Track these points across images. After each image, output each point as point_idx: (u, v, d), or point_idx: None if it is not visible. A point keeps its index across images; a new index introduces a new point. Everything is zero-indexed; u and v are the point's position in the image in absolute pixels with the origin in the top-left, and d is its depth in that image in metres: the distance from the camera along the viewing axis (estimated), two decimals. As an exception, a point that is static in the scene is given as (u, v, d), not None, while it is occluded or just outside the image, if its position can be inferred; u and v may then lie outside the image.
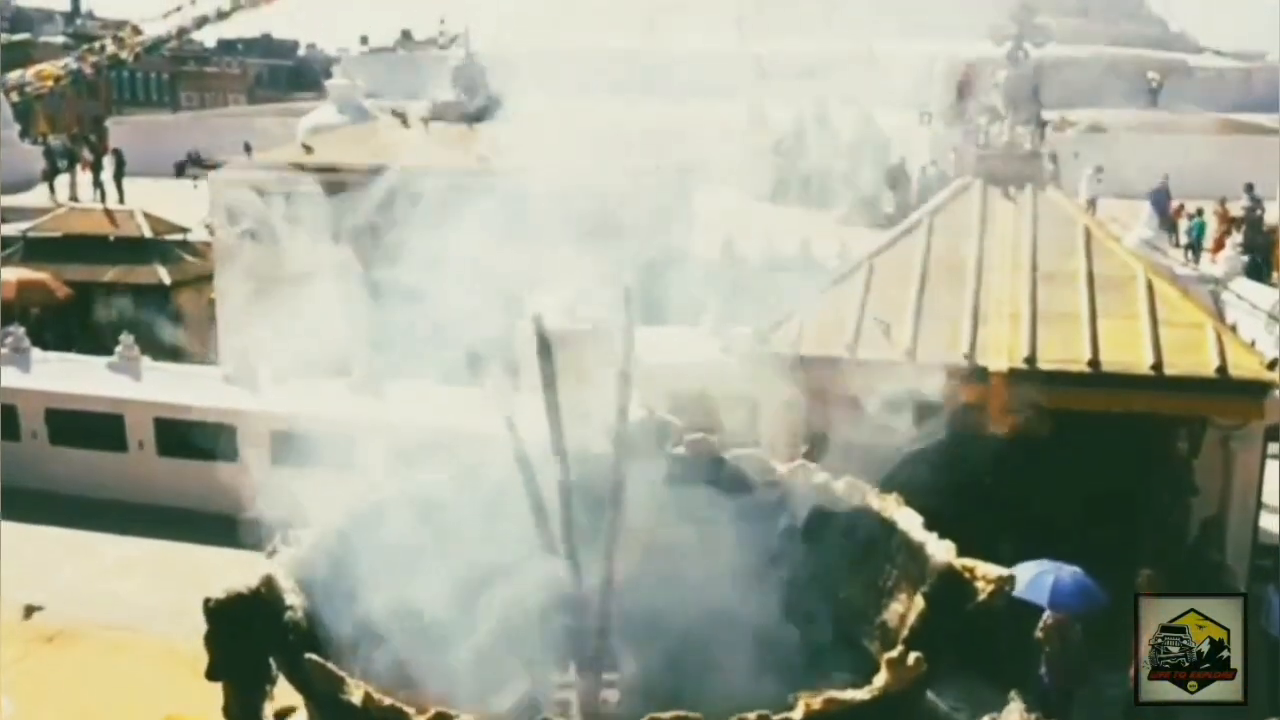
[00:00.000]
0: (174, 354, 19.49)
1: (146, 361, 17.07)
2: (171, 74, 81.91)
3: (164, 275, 22.11)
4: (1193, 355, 11.72)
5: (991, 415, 11.58)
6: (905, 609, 5.87)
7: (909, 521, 6.24)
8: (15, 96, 43.63)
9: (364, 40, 70.94)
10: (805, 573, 6.45)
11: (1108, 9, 48.62)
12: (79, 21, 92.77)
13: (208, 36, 73.42)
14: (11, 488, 15.12)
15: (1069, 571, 10.41)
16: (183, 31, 51.00)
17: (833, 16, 44.13)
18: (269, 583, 5.44)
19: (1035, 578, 10.28)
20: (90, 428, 16.51)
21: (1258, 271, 18.63)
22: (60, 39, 79.24)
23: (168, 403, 16.12)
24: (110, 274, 22.33)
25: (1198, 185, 26.90)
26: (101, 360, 17.18)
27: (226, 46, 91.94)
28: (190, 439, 15.70)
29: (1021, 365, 11.73)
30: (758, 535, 6.59)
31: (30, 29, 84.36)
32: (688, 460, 7.38)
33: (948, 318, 12.32)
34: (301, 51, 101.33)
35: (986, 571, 5.51)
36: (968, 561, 5.61)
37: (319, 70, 77.24)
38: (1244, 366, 11.62)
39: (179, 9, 46.56)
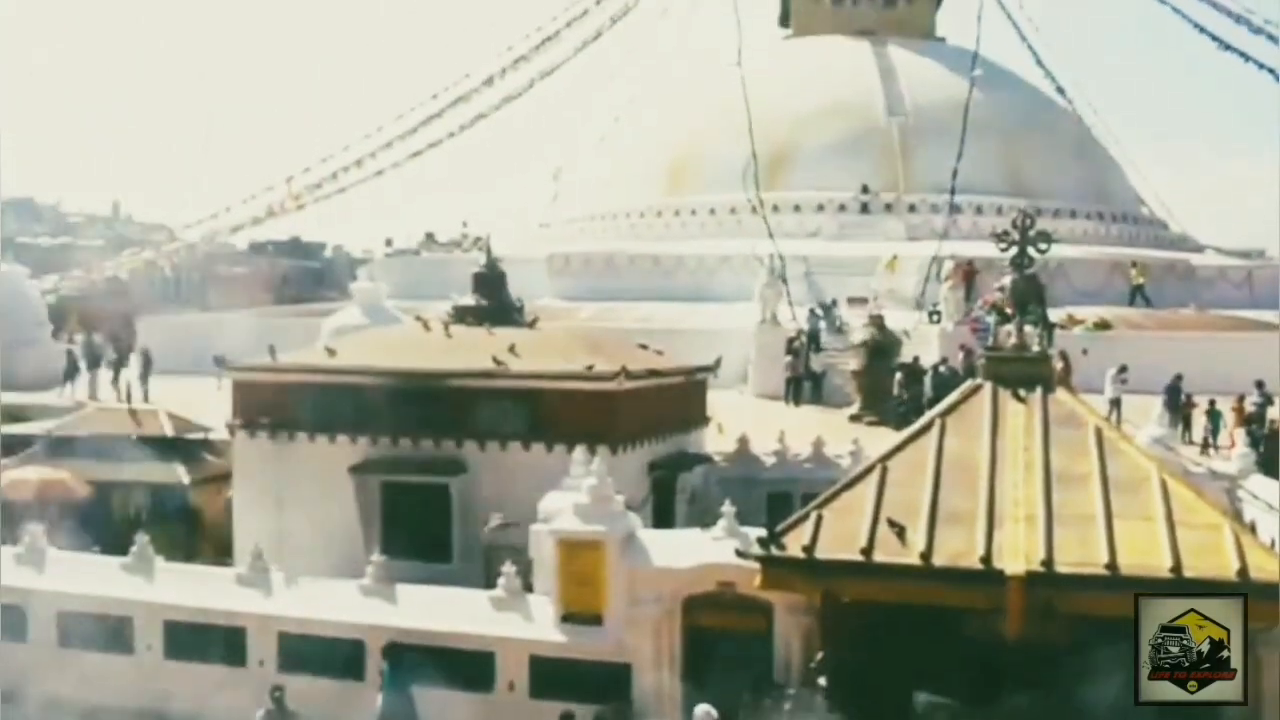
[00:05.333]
0: (189, 554, 19.47)
1: (160, 562, 17.02)
2: (202, 274, 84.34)
3: (183, 474, 22.27)
4: (1212, 557, 11.59)
5: (1008, 620, 11.41)
6: None
7: None
8: (51, 298, 45.03)
9: (389, 242, 73.34)
10: None
11: (1109, 210, 50.07)
12: (118, 226, 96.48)
13: (239, 238, 75.94)
14: (18, 692, 14.87)
15: None
16: (216, 234, 52.96)
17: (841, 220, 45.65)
18: None
19: None
20: (99, 630, 16.33)
21: (1270, 468, 18.55)
22: (99, 242, 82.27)
23: (177, 604, 15.99)
24: (130, 473, 22.51)
25: (1206, 381, 27.08)
26: (115, 561, 17.14)
27: (257, 247, 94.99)
28: (200, 643, 15.52)
29: (1039, 569, 11.61)
30: None
31: (71, 232, 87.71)
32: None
33: (962, 520, 12.28)
34: (329, 252, 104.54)
35: None
36: None
37: (345, 271, 79.56)
38: (1265, 569, 11.47)
39: (214, 216, 48.49)
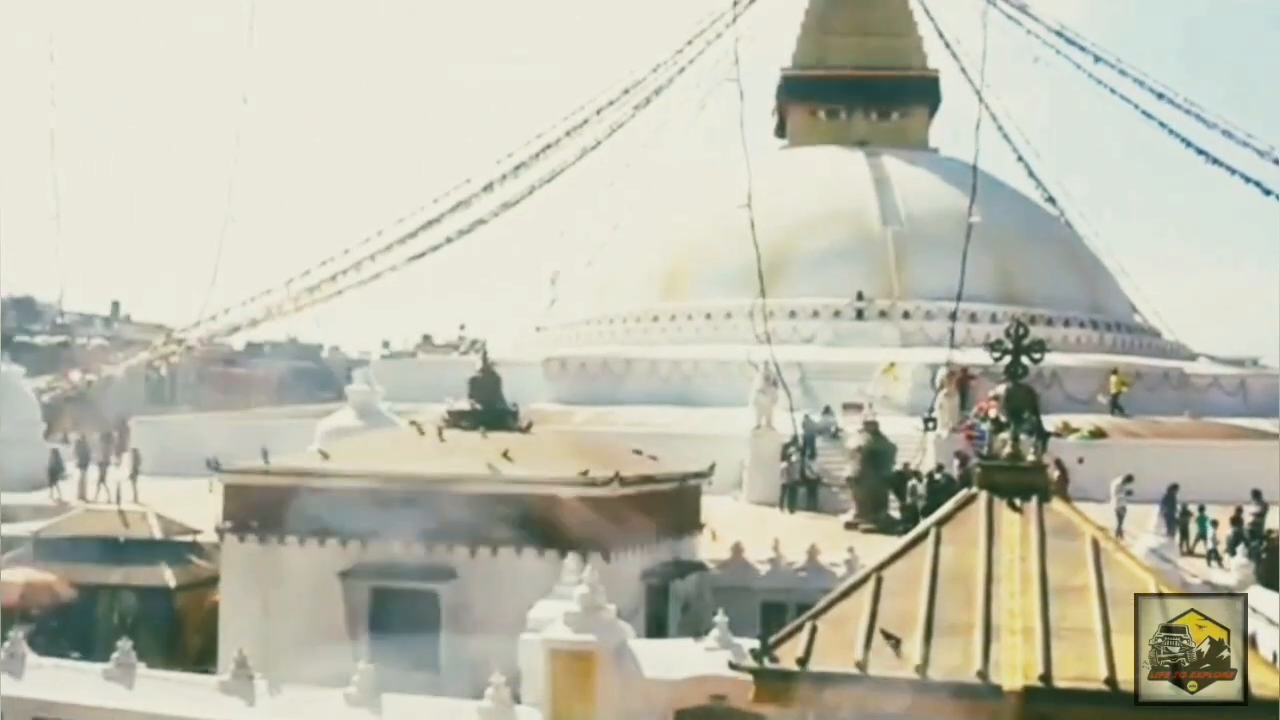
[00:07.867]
0: (173, 659, 19.13)
1: (142, 669, 16.69)
2: (198, 374, 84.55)
3: (169, 578, 22.01)
4: (1213, 673, 11.38)
5: (1008, 737, 11.15)
6: None
7: None
8: (46, 398, 44.99)
9: (386, 344, 73.76)
10: None
11: (1102, 318, 50.46)
12: (116, 325, 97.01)
13: (236, 339, 76.37)
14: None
15: None
16: (214, 335, 53.18)
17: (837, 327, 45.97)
18: None
19: None
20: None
21: (1270, 580, 18.38)
22: (97, 341, 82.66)
23: (157, 714, 15.63)
24: (116, 575, 22.25)
25: (1202, 490, 26.98)
26: (97, 667, 16.82)
27: (253, 348, 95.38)
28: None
29: (1037, 683, 11.40)
30: None
31: (69, 331, 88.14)
32: None
33: (959, 632, 12.08)
34: (325, 354, 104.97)
35: None
36: None
37: (342, 372, 79.79)
38: (1266, 685, 11.26)
39: (213, 317, 48.71)
